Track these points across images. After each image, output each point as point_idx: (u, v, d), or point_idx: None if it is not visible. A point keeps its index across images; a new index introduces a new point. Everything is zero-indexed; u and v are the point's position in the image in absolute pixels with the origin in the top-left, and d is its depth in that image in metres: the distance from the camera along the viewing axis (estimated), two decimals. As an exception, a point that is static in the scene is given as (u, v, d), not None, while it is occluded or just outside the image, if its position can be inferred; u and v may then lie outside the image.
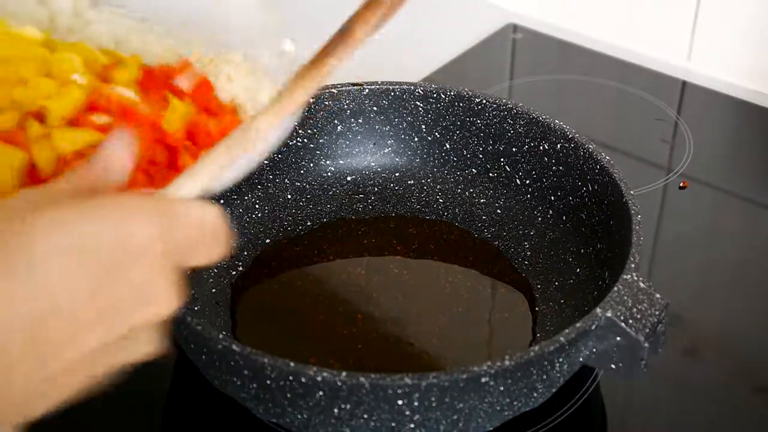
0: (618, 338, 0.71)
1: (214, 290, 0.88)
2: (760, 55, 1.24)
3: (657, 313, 0.71)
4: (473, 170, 0.98)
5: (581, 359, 0.73)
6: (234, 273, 0.91)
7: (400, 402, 0.67)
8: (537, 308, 0.88)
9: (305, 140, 0.98)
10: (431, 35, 1.39)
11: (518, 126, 0.94)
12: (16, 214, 0.44)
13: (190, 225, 0.49)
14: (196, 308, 0.83)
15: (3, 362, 0.43)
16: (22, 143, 0.66)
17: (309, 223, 0.96)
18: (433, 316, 0.86)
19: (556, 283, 0.89)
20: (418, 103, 0.96)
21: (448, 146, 0.97)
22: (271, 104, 0.57)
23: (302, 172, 0.99)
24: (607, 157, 0.87)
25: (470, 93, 0.95)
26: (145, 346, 0.50)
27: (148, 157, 0.67)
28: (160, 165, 0.68)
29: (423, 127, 0.97)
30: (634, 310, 0.71)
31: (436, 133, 0.97)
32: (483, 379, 0.67)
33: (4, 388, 0.45)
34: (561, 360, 0.71)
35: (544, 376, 0.71)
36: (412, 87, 0.95)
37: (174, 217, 0.49)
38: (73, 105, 0.68)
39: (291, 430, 0.75)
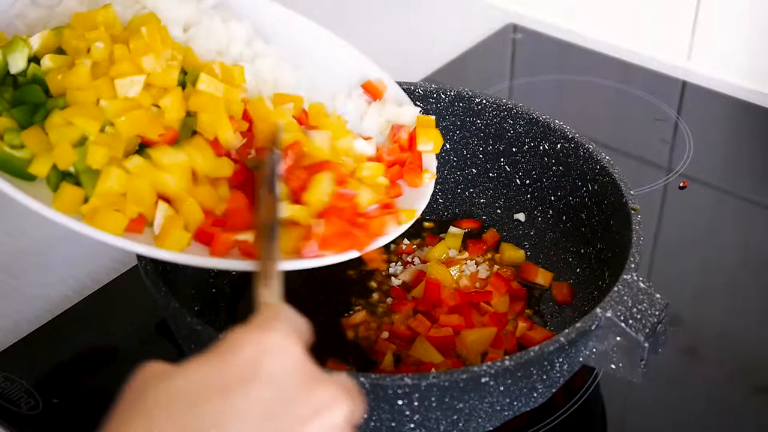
0: (618, 338, 0.71)
1: (214, 290, 0.88)
2: (760, 55, 1.24)
3: (657, 313, 0.71)
4: (473, 170, 0.98)
5: (581, 359, 0.73)
6: (234, 273, 0.91)
7: (400, 402, 0.67)
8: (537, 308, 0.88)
9: (305, 140, 0.98)
10: (431, 35, 1.39)
11: (518, 126, 0.94)
12: None
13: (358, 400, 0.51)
14: (196, 308, 0.83)
15: None
16: None
17: (309, 223, 0.96)
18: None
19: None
20: (418, 103, 0.95)
21: (448, 146, 0.97)
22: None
23: (302, 172, 0.99)
24: (607, 157, 0.87)
25: (470, 93, 0.95)
26: None
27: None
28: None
29: (423, 127, 0.97)
30: (634, 310, 0.71)
31: (436, 133, 0.97)
32: (483, 379, 0.67)
33: None
34: (561, 360, 0.71)
35: (544, 376, 0.71)
36: (412, 87, 0.95)
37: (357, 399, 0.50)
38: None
39: (291, 430, 0.75)
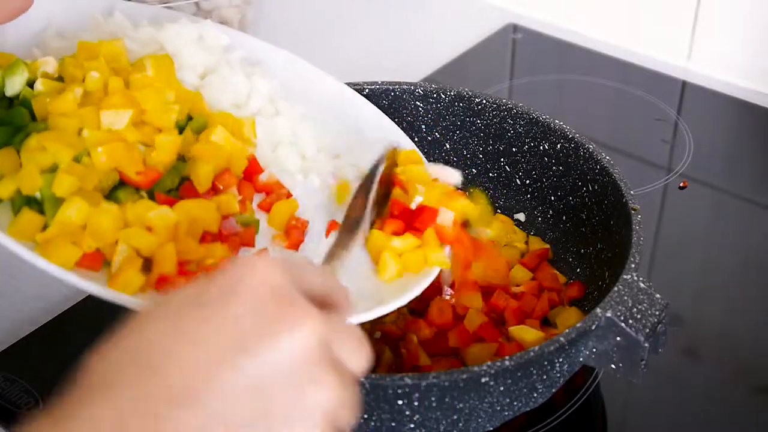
0: (618, 338, 0.71)
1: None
2: (760, 55, 1.24)
3: (657, 313, 0.71)
4: (473, 170, 0.98)
5: (581, 359, 0.73)
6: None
7: (400, 402, 0.67)
8: (537, 308, 0.88)
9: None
10: (431, 35, 1.39)
11: (518, 126, 0.94)
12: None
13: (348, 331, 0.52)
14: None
15: None
16: None
17: (309, 223, 0.96)
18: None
19: (556, 283, 0.89)
20: (418, 103, 0.96)
21: (448, 146, 0.97)
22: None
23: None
24: (607, 157, 0.87)
25: (470, 93, 0.95)
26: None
27: None
28: None
29: (423, 127, 0.97)
30: (634, 310, 0.71)
31: (436, 133, 0.97)
32: (483, 379, 0.67)
33: None
34: (561, 360, 0.71)
35: (544, 376, 0.71)
36: (412, 87, 0.95)
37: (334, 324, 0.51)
38: None
39: (291, 430, 0.75)
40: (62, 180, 0.68)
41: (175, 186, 0.74)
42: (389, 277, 0.76)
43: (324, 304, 0.52)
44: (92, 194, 0.69)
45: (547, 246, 0.92)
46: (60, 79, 0.76)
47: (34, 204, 0.69)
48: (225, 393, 0.45)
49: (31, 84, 0.75)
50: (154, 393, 0.45)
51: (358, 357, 0.51)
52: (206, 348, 0.46)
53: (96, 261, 0.68)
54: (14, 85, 0.74)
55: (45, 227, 0.68)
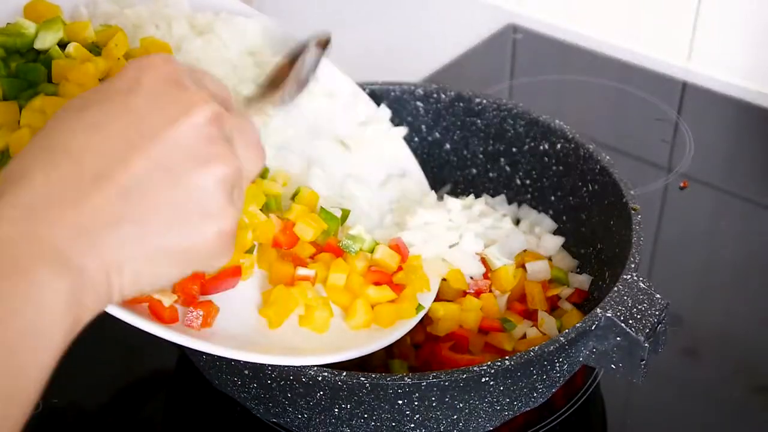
0: (618, 338, 0.71)
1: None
2: (760, 55, 1.24)
3: (657, 313, 0.71)
4: (473, 170, 0.98)
5: (581, 359, 0.73)
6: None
7: (400, 402, 0.67)
8: (537, 308, 0.88)
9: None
10: (431, 35, 1.39)
11: (518, 126, 0.94)
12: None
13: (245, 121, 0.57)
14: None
15: None
16: None
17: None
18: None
19: (556, 283, 0.89)
20: (418, 103, 0.96)
21: (448, 146, 0.97)
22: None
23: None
24: (607, 157, 0.87)
25: (470, 93, 0.95)
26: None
27: None
28: None
29: (423, 127, 0.97)
30: (634, 310, 0.71)
31: (436, 133, 0.97)
32: (483, 379, 0.67)
33: None
34: (561, 360, 0.71)
35: (544, 376, 0.71)
36: (412, 87, 0.95)
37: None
38: None
39: (291, 429, 0.75)
40: None
41: None
42: (355, 326, 0.75)
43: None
44: None
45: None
46: (95, 46, 0.75)
47: None
48: (136, 174, 0.50)
49: (62, 45, 0.74)
50: (69, 176, 0.49)
51: (254, 151, 0.57)
52: (116, 135, 0.50)
53: None
54: (45, 41, 0.73)
55: None
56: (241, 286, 0.72)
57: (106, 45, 0.75)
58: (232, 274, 0.71)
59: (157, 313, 0.67)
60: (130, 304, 0.66)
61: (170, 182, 0.51)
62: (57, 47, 0.74)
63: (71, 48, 0.73)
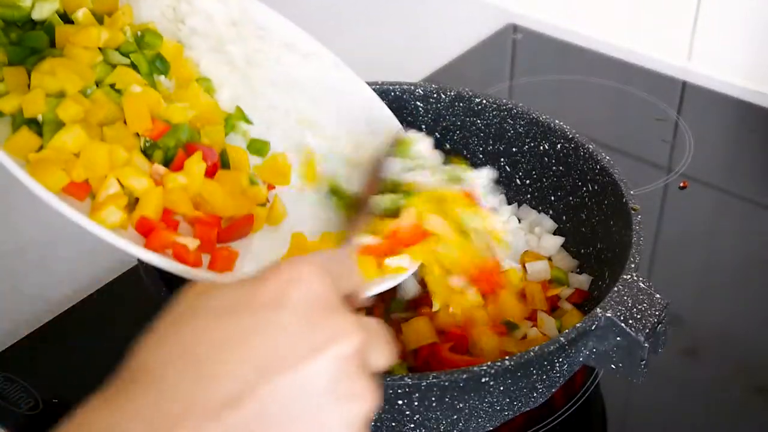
0: (618, 338, 0.71)
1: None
2: (760, 55, 1.24)
3: (657, 313, 0.71)
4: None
5: (581, 359, 0.73)
6: (234, 273, 0.91)
7: (400, 402, 0.67)
8: (537, 308, 0.88)
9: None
10: (431, 35, 1.39)
11: (518, 126, 0.94)
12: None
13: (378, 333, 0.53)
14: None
15: None
16: None
17: (309, 223, 0.96)
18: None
19: (556, 283, 0.89)
20: (418, 103, 0.96)
21: (448, 146, 0.97)
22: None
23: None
24: (607, 157, 0.87)
25: (470, 93, 0.95)
26: None
27: None
28: None
29: (423, 127, 0.97)
30: (634, 310, 0.71)
31: (436, 133, 0.97)
32: (483, 379, 0.67)
33: None
34: (561, 360, 0.71)
35: (544, 376, 0.71)
36: (412, 87, 0.95)
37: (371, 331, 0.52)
38: None
39: (291, 430, 0.75)
40: (69, 106, 0.70)
41: (172, 146, 0.75)
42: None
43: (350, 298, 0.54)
44: (93, 127, 0.71)
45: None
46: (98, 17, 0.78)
47: (34, 125, 0.70)
48: (271, 402, 0.46)
49: (61, 15, 0.76)
50: (199, 395, 0.46)
51: (385, 356, 0.53)
52: (256, 356, 0.47)
53: (82, 191, 0.69)
54: (42, 11, 0.75)
55: (40, 149, 0.69)
56: (262, 236, 0.76)
57: (111, 14, 0.77)
58: (246, 222, 0.73)
59: (181, 257, 0.68)
60: (155, 250, 0.68)
61: (308, 416, 0.47)
62: (56, 16, 0.75)
63: (80, 14, 0.75)
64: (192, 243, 0.69)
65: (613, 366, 0.73)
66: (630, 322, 0.70)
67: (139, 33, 0.79)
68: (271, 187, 0.80)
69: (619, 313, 0.71)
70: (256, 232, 0.76)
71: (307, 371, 0.47)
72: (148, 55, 0.78)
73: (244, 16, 0.88)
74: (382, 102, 0.90)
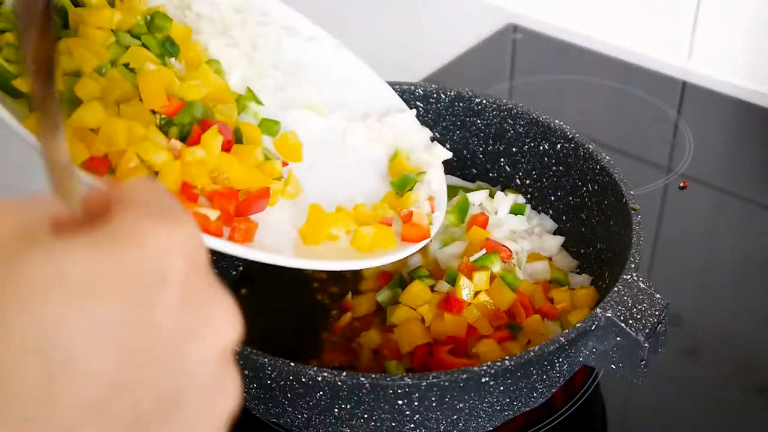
0: (618, 338, 0.71)
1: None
2: (760, 55, 1.24)
3: (657, 313, 0.71)
4: (473, 170, 0.98)
5: (581, 359, 0.73)
6: (234, 273, 0.91)
7: (400, 402, 0.67)
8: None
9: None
10: (431, 35, 1.39)
11: (518, 126, 0.94)
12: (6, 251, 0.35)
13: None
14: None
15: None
16: None
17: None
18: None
19: (556, 283, 0.89)
20: (418, 103, 0.96)
21: (448, 146, 0.97)
22: None
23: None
24: (607, 157, 0.87)
25: (470, 93, 0.95)
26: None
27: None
28: None
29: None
30: (634, 310, 0.71)
31: (436, 133, 0.97)
32: (483, 379, 0.67)
33: None
34: (561, 360, 0.71)
35: (544, 376, 0.71)
36: (412, 87, 0.95)
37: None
38: None
39: (291, 429, 0.75)
40: (86, 84, 0.72)
41: (187, 122, 0.76)
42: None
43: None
44: (110, 105, 0.72)
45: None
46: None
47: None
48: (145, 409, 0.37)
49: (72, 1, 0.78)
50: (58, 405, 0.34)
51: (235, 329, 0.41)
52: (121, 352, 0.36)
53: (102, 166, 0.70)
54: None
55: None
56: (279, 211, 0.77)
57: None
58: (262, 195, 0.75)
59: (203, 228, 0.69)
60: None
61: (178, 418, 0.38)
62: (68, 0, 0.77)
63: None
64: (213, 213, 0.70)
65: (613, 366, 0.73)
66: (630, 322, 0.70)
67: (148, 16, 0.80)
68: (284, 164, 0.81)
69: (619, 313, 0.71)
70: (273, 206, 0.77)
71: (182, 369, 0.38)
72: (158, 37, 0.80)
73: (247, 2, 0.90)
74: (381, 79, 0.93)
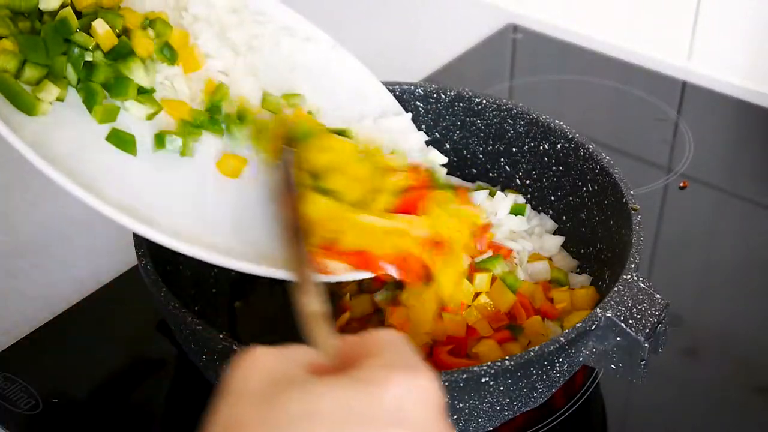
0: (618, 338, 0.71)
1: (214, 290, 0.88)
2: (760, 55, 1.24)
3: (657, 313, 0.71)
4: (473, 170, 0.98)
5: (581, 359, 0.73)
6: (234, 273, 0.91)
7: (400, 402, 0.67)
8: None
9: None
10: (431, 35, 1.39)
11: (518, 126, 0.94)
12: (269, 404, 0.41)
13: None
14: (196, 308, 0.83)
15: None
16: None
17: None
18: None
19: (556, 283, 0.89)
20: (418, 103, 0.96)
21: (448, 146, 0.97)
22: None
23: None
24: (607, 157, 0.87)
25: (470, 93, 0.95)
26: None
27: None
28: None
29: (423, 127, 0.97)
30: (634, 310, 0.71)
31: (436, 133, 0.97)
32: (483, 379, 0.67)
33: None
34: (561, 360, 0.71)
35: (544, 376, 0.71)
36: (412, 87, 0.95)
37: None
38: None
39: (291, 430, 0.75)
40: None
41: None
42: None
43: None
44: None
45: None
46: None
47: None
48: None
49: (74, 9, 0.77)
50: None
51: None
52: None
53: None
54: (50, 2, 0.75)
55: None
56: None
57: (117, 8, 0.79)
58: None
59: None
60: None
61: None
62: (71, 10, 0.75)
63: (99, 28, 0.75)
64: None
65: (613, 366, 0.73)
66: (630, 322, 0.70)
67: (148, 21, 0.80)
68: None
69: (619, 313, 0.71)
70: None
71: None
72: (157, 43, 0.79)
73: (243, 2, 0.89)
74: (378, 80, 0.93)
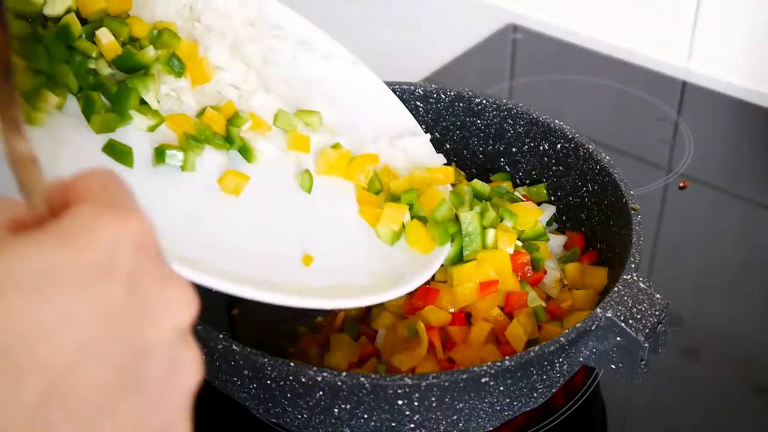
0: (618, 338, 0.71)
1: (212, 297, 0.88)
2: (760, 55, 1.24)
3: (657, 313, 0.71)
4: (473, 170, 0.98)
5: (581, 359, 0.73)
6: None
7: (400, 402, 0.67)
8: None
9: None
10: (431, 35, 1.39)
11: (518, 126, 0.94)
12: None
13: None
14: (196, 308, 0.83)
15: None
16: None
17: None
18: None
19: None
20: (418, 103, 0.96)
21: (448, 146, 0.97)
22: None
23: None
24: (607, 157, 0.87)
25: (470, 93, 0.95)
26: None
27: None
28: None
29: (423, 127, 0.97)
30: (634, 310, 0.71)
31: (436, 133, 0.97)
32: (483, 379, 0.67)
33: None
34: (561, 360, 0.71)
35: (544, 376, 0.71)
36: (412, 87, 0.95)
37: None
38: None
39: (291, 429, 0.75)
40: None
41: None
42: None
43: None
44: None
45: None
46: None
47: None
48: (103, 392, 0.38)
49: (79, 16, 0.76)
50: (10, 398, 0.36)
51: (190, 308, 0.44)
52: (75, 343, 0.37)
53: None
54: (55, 7, 0.74)
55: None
56: None
57: (119, 15, 0.77)
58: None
59: None
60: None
61: (138, 395, 0.40)
62: (74, 16, 0.74)
63: (103, 37, 0.75)
64: None
65: (613, 366, 0.73)
66: (630, 322, 0.70)
67: (155, 31, 0.78)
68: None
69: (619, 313, 0.71)
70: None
71: (140, 349, 0.39)
72: (164, 54, 0.77)
73: (261, 15, 0.88)
74: (398, 99, 0.92)
